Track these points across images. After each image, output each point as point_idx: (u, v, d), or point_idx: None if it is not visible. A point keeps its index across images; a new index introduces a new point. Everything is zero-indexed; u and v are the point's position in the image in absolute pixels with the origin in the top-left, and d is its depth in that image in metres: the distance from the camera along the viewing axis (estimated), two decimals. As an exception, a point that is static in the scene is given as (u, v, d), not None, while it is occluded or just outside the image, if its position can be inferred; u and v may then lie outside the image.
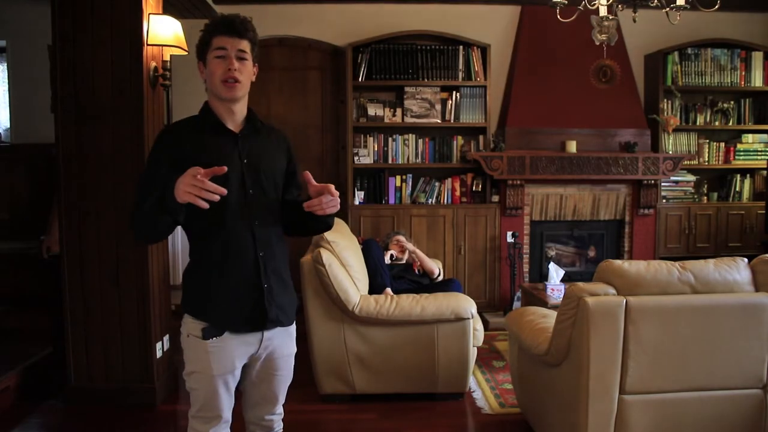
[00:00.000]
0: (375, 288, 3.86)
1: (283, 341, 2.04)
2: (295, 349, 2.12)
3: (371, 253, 3.99)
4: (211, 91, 1.94)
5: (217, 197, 1.70)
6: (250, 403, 2.11)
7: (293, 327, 2.10)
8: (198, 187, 1.68)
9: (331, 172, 5.72)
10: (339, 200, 1.90)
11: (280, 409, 2.15)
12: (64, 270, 3.46)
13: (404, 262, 4.52)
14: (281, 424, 2.18)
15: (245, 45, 1.91)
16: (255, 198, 1.94)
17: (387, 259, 4.33)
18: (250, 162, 1.94)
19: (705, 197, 5.75)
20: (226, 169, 1.73)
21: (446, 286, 4.12)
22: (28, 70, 5.54)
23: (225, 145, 1.92)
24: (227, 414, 2.02)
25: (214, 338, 1.92)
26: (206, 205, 1.70)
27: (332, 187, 1.88)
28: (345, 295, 3.40)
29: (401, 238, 4.59)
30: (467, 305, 3.51)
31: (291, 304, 2.06)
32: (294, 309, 2.08)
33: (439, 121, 5.47)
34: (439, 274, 4.51)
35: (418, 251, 4.54)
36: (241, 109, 1.97)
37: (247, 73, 1.93)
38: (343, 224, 4.50)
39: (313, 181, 1.89)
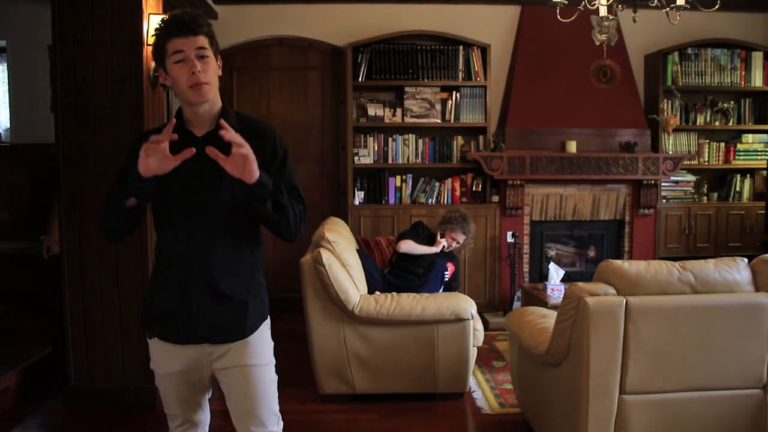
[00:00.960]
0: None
1: (241, 351, 1.89)
2: (266, 361, 1.95)
3: (363, 263, 4.00)
4: (180, 97, 1.83)
5: (172, 157, 1.68)
6: (233, 416, 2.00)
7: (256, 337, 1.92)
8: (153, 148, 1.67)
9: (331, 172, 5.72)
10: (245, 154, 1.67)
11: (264, 422, 1.96)
12: (64, 270, 3.46)
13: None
14: None
15: (203, 41, 1.78)
16: (204, 205, 1.82)
17: (437, 249, 4.31)
18: (205, 166, 1.74)
19: (705, 197, 5.75)
20: (194, 150, 1.69)
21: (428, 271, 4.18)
22: (28, 70, 5.53)
23: (183, 148, 1.72)
24: (188, 414, 2.01)
25: (154, 338, 1.92)
26: (166, 164, 1.68)
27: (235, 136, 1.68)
28: (345, 295, 3.40)
29: (458, 235, 4.41)
30: (467, 305, 3.51)
31: (234, 323, 1.87)
32: (240, 329, 1.88)
33: (439, 121, 5.47)
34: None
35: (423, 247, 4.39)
36: (209, 108, 1.83)
37: (212, 70, 1.80)
38: (343, 224, 4.50)
39: (220, 155, 1.69)
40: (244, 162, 1.68)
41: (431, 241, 4.40)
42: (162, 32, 1.78)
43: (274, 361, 2.01)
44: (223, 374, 1.93)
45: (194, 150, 1.69)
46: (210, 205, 1.83)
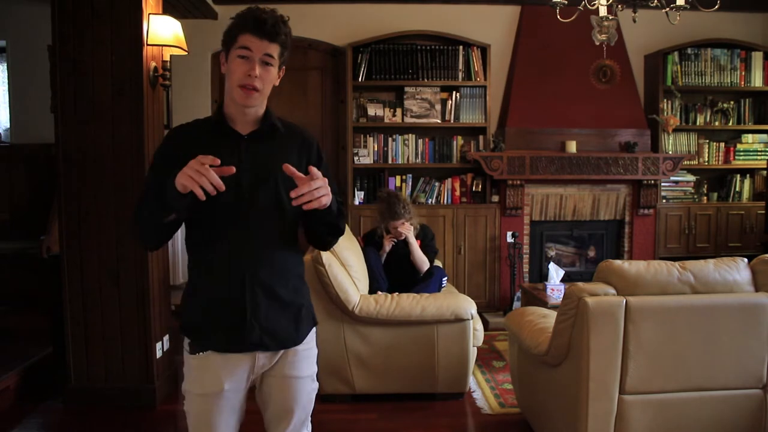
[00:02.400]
0: (371, 292, 3.85)
1: (289, 362, 1.84)
2: (311, 372, 1.91)
3: (369, 260, 3.98)
4: (227, 90, 1.76)
5: (213, 190, 1.56)
6: (267, 421, 1.93)
7: (305, 346, 1.87)
8: (200, 173, 1.54)
9: (331, 172, 5.71)
10: (324, 185, 1.67)
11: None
12: (64, 270, 3.45)
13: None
14: None
15: (274, 49, 1.71)
16: (251, 206, 1.75)
17: (387, 248, 4.06)
18: (253, 167, 1.75)
19: (705, 197, 5.75)
20: (234, 169, 1.60)
21: (430, 275, 4.03)
22: (28, 70, 5.54)
23: (226, 147, 1.73)
24: None
25: (200, 353, 1.78)
26: (203, 196, 1.56)
27: (313, 170, 1.66)
28: (345, 295, 3.40)
29: (398, 223, 4.01)
30: (467, 306, 3.51)
31: (288, 327, 1.82)
32: (293, 334, 1.84)
33: (439, 121, 5.47)
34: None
35: (413, 242, 4.06)
36: (256, 110, 1.78)
37: (269, 79, 1.74)
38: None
39: (298, 173, 1.66)
40: (320, 196, 1.66)
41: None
42: (239, 22, 1.71)
43: (316, 370, 1.94)
44: (266, 383, 1.86)
45: (234, 169, 1.60)
46: (259, 207, 1.76)
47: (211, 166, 1.56)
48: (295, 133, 1.87)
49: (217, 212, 1.72)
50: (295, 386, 1.86)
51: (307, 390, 1.90)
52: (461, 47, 5.44)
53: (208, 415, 1.80)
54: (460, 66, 5.45)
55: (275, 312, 1.79)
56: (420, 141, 5.52)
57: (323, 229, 1.85)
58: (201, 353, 1.79)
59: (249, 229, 1.76)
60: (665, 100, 5.60)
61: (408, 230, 4.04)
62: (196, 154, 1.59)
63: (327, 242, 1.93)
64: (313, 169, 1.66)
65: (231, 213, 1.74)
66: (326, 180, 1.69)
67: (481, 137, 5.51)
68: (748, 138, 5.77)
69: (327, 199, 1.69)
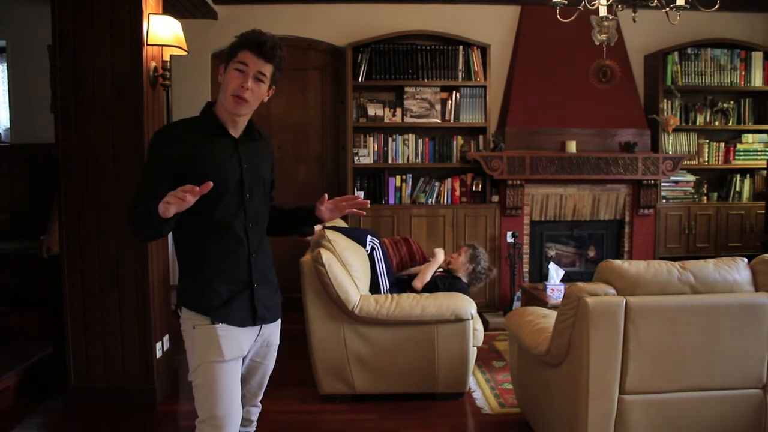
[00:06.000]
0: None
1: (272, 331, 2.17)
2: (278, 342, 2.25)
3: (374, 261, 3.97)
4: (221, 98, 1.98)
5: (195, 198, 1.76)
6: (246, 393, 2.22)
7: (279, 320, 2.22)
8: (178, 199, 1.74)
9: (331, 172, 5.73)
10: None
11: (259, 402, 2.28)
12: (64, 270, 3.45)
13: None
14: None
15: (268, 69, 1.96)
16: (250, 201, 2.03)
17: (437, 263, 4.23)
18: (249, 167, 2.03)
19: (705, 197, 5.75)
20: (211, 184, 1.78)
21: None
22: (28, 70, 5.54)
23: (226, 147, 2.00)
24: (236, 416, 2.00)
25: (222, 324, 1.99)
26: (189, 203, 1.76)
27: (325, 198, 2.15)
28: (345, 295, 3.40)
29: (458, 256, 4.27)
30: (467, 306, 3.51)
31: (276, 302, 2.17)
32: (279, 307, 2.19)
33: (439, 121, 5.47)
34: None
35: (433, 266, 4.20)
36: (244, 121, 2.04)
37: (258, 94, 1.98)
38: (344, 224, 4.50)
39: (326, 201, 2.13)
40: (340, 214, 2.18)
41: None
42: (243, 41, 1.95)
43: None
44: (258, 353, 2.14)
45: (212, 184, 1.78)
46: (255, 201, 2.06)
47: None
48: (265, 139, 2.18)
49: (225, 205, 1.97)
50: (274, 354, 2.22)
51: (275, 357, 2.25)
52: (461, 47, 5.44)
53: (231, 377, 2.00)
54: (460, 66, 5.45)
55: (268, 291, 2.11)
56: (420, 141, 5.52)
57: (306, 225, 2.26)
58: (223, 324, 1.99)
59: (249, 219, 2.04)
60: (665, 100, 5.60)
61: (447, 262, 4.28)
62: (202, 152, 1.93)
63: (289, 235, 2.31)
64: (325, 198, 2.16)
65: (236, 206, 2.00)
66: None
67: (481, 137, 5.51)
68: (748, 138, 5.77)
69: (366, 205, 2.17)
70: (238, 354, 2.02)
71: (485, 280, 4.32)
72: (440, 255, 4.26)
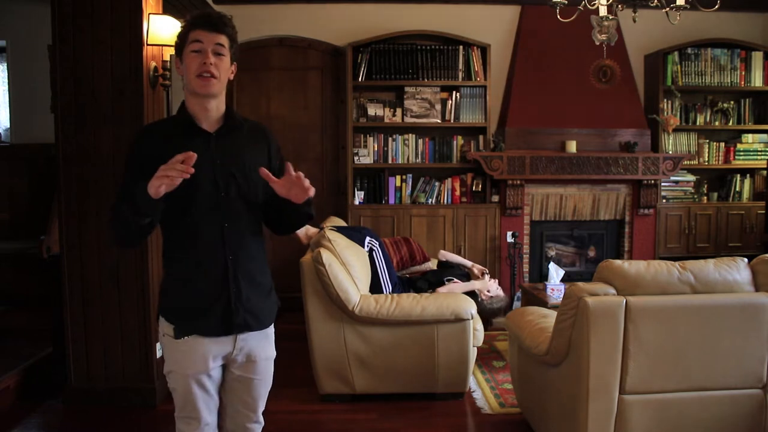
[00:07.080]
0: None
1: (259, 343, 1.99)
2: (274, 354, 2.07)
3: (374, 262, 3.98)
4: (187, 87, 1.89)
5: (186, 175, 1.68)
6: (229, 412, 2.06)
7: (271, 330, 2.05)
8: (167, 169, 1.67)
9: (331, 172, 5.72)
10: (306, 181, 1.85)
11: (260, 418, 2.09)
12: (64, 270, 3.46)
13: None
14: None
15: (223, 39, 1.86)
16: (227, 200, 1.89)
17: (479, 284, 4.33)
18: (224, 163, 1.89)
19: (705, 197, 5.75)
20: (195, 156, 1.69)
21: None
22: (28, 70, 5.54)
23: (197, 145, 1.83)
24: (207, 417, 1.98)
25: (186, 337, 1.90)
26: (176, 183, 1.69)
27: (289, 166, 1.85)
28: (345, 294, 3.40)
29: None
30: (467, 306, 3.51)
31: (266, 307, 2.00)
32: (271, 312, 2.03)
33: (439, 121, 5.47)
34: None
35: (468, 284, 4.30)
36: (217, 107, 1.92)
37: (224, 68, 1.88)
38: (343, 224, 4.50)
39: (272, 177, 1.85)
40: (304, 193, 1.84)
41: (463, 278, 4.38)
42: (189, 22, 1.88)
43: (275, 354, 2.10)
44: (242, 366, 1.98)
45: (195, 155, 1.70)
46: (233, 199, 1.90)
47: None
48: (257, 129, 2.03)
49: (196, 206, 1.86)
50: (267, 368, 2.04)
51: (271, 372, 2.07)
52: (461, 47, 5.44)
53: (194, 391, 1.94)
54: (460, 66, 5.45)
55: (255, 294, 1.95)
56: (420, 141, 5.51)
57: (298, 218, 2.00)
58: (186, 337, 1.90)
59: (226, 219, 1.90)
60: (665, 100, 5.59)
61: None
62: (169, 154, 1.71)
63: (296, 228, 2.11)
64: (290, 166, 1.84)
65: (209, 206, 1.88)
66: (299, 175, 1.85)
67: (481, 137, 5.51)
68: (748, 138, 5.77)
69: (312, 190, 1.86)
70: (202, 369, 1.91)
71: (486, 308, 4.35)
72: (484, 284, 4.34)
